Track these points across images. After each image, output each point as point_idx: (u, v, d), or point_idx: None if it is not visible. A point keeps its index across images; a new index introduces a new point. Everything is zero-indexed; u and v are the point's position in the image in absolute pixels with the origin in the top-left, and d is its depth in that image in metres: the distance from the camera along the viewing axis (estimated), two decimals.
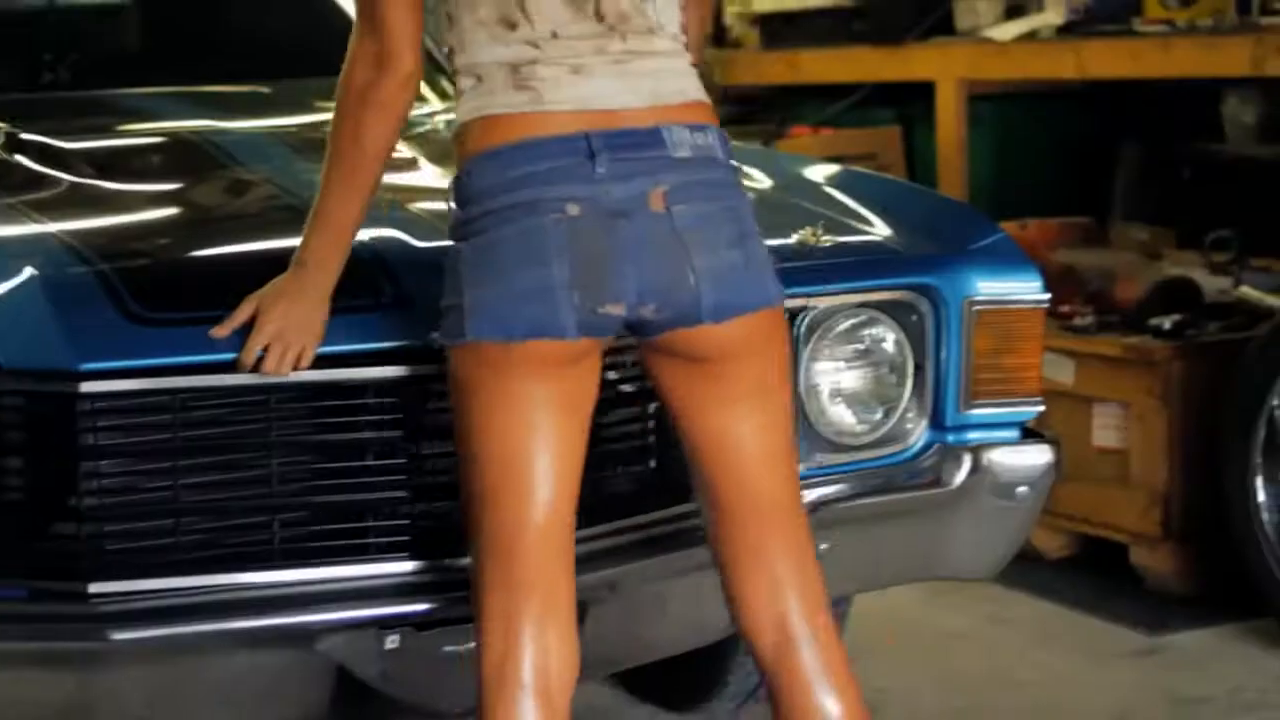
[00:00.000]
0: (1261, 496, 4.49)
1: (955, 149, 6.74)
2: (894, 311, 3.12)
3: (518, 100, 2.43)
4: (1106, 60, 5.91)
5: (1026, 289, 3.17)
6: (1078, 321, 5.30)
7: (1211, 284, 5.39)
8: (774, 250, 2.79)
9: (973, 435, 3.18)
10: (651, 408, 2.95)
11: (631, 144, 2.42)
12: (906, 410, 3.17)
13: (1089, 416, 5.06)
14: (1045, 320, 3.25)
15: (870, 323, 3.12)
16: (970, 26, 6.88)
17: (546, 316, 2.39)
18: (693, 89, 2.53)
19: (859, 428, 3.14)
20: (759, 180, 3.45)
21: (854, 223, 3.24)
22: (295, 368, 2.65)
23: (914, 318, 3.13)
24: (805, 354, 3.07)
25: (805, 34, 7.77)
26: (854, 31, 7.42)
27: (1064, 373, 5.09)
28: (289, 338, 2.63)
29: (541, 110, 2.42)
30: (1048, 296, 3.20)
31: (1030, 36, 6.45)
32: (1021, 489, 3.19)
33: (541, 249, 2.38)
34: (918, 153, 7.40)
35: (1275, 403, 4.47)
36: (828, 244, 3.09)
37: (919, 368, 3.15)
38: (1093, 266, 5.80)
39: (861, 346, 3.13)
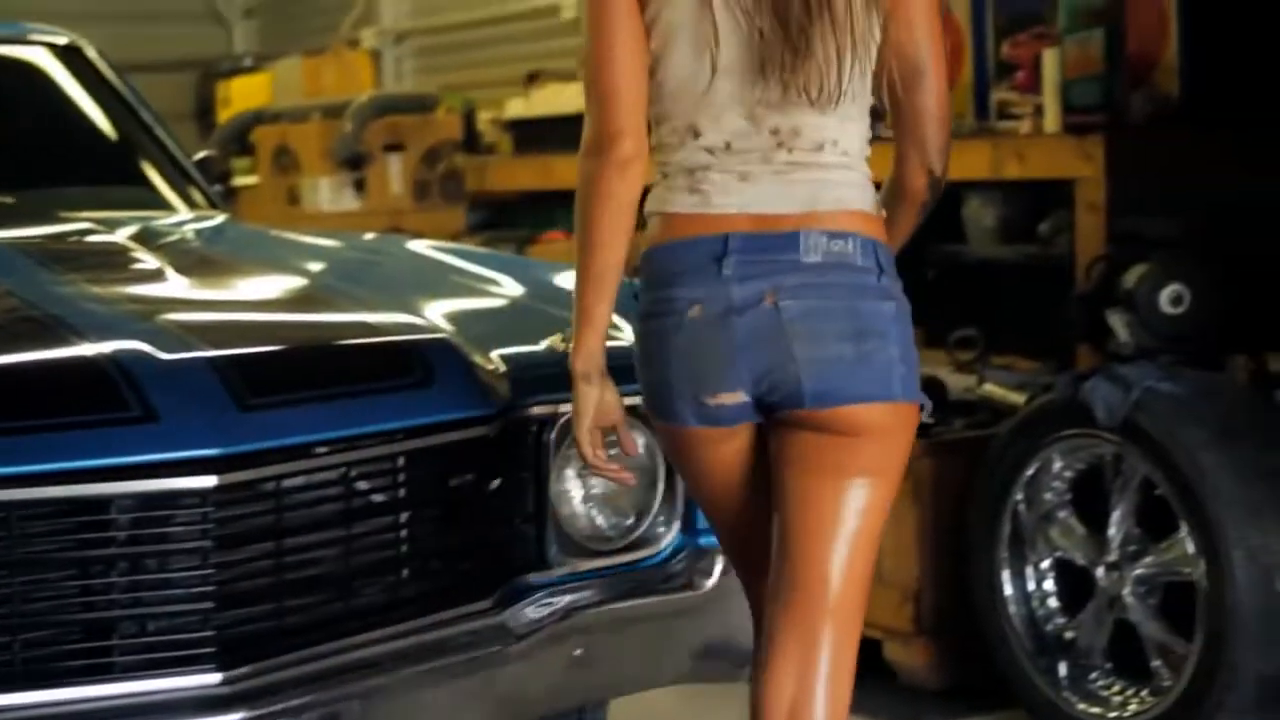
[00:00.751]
0: (1008, 590, 4.58)
1: None
2: (645, 416, 3.14)
3: (689, 201, 2.71)
4: None
5: None
6: None
7: (957, 382, 5.52)
8: (521, 358, 2.81)
9: None
10: (404, 517, 2.94)
11: (764, 247, 2.67)
12: (658, 514, 3.19)
13: None
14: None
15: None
16: None
17: (668, 409, 2.74)
18: (854, 198, 2.71)
19: (610, 532, 3.16)
20: (508, 288, 3.47)
21: None
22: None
23: None
24: (555, 459, 3.08)
25: (558, 139, 7.82)
26: None
27: None
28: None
29: (707, 212, 2.70)
30: None
31: None
32: None
33: (664, 350, 2.72)
34: None
35: (1019, 498, 4.57)
36: None
37: (670, 470, 3.17)
38: None
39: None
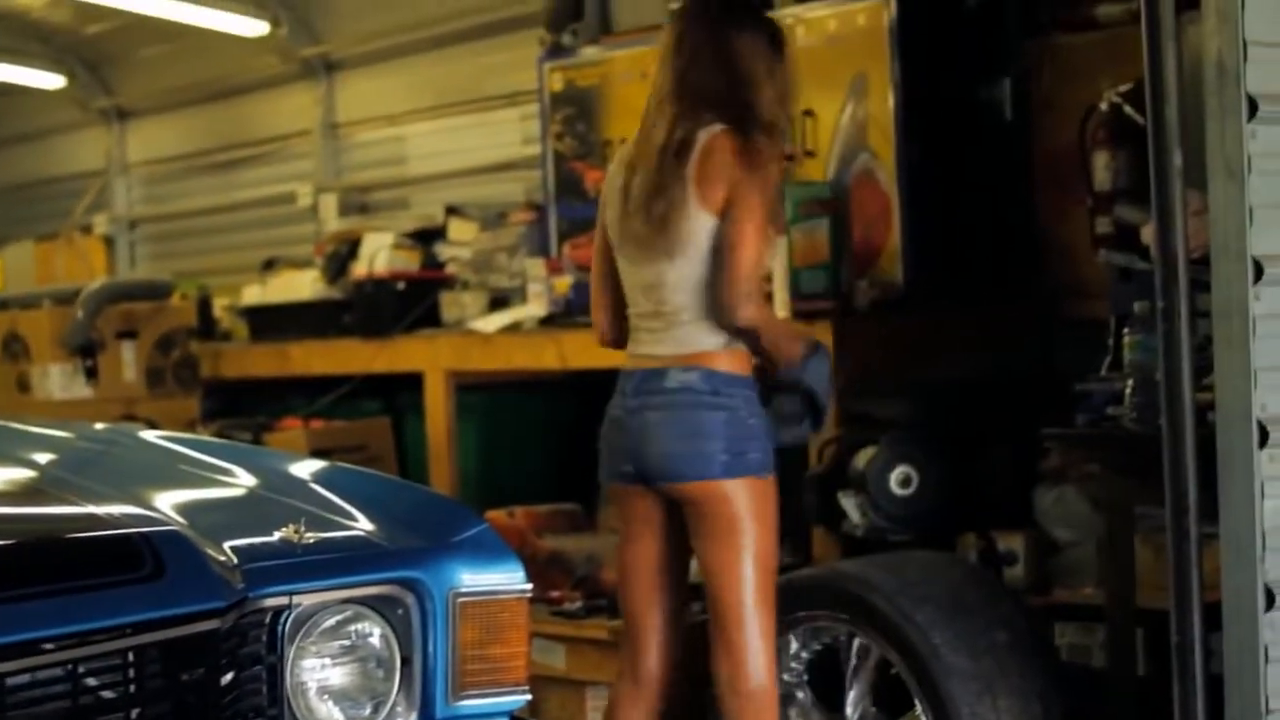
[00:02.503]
0: None
1: (445, 438, 6.83)
2: (379, 606, 3.12)
3: (630, 349, 4.34)
4: (586, 350, 6.09)
5: (509, 580, 3.21)
6: (567, 606, 5.39)
7: (693, 564, 5.55)
8: (254, 549, 2.78)
9: None
10: (134, 714, 2.87)
11: (647, 378, 4.25)
12: (395, 705, 3.15)
13: (582, 700, 5.13)
14: (530, 609, 3.30)
15: (356, 618, 3.11)
16: (456, 318, 7.03)
17: (602, 470, 4.37)
18: (700, 343, 4.19)
19: None
20: (241, 478, 3.43)
21: (338, 518, 3.24)
22: None
23: (400, 611, 3.13)
24: (291, 652, 3.03)
25: (294, 326, 7.80)
26: (342, 324, 7.49)
27: (555, 658, 5.15)
28: None
29: (634, 354, 4.32)
30: (529, 586, 3.25)
31: (514, 328, 6.62)
32: None
33: (605, 435, 4.34)
34: (408, 443, 7.47)
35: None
36: (311, 540, 3.08)
37: (406, 661, 3.15)
38: (580, 551, 5.92)
39: (348, 643, 3.11)
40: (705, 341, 4.17)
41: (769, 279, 4.54)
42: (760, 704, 4.13)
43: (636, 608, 4.33)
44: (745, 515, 4.12)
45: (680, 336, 4.18)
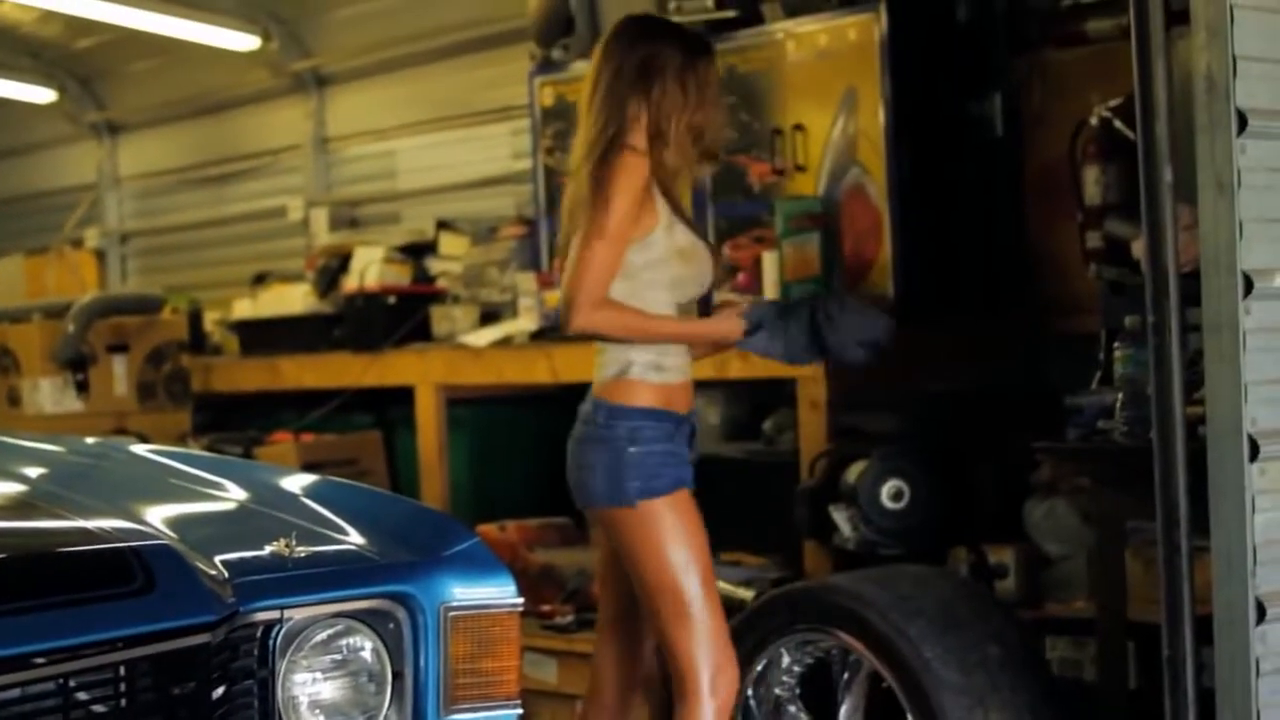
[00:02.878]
0: None
1: (436, 452, 6.83)
2: (371, 620, 3.12)
3: None
4: (578, 364, 6.10)
5: (500, 593, 3.21)
6: (558, 620, 5.39)
7: None
8: (245, 562, 2.77)
9: None
10: None
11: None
12: (386, 718, 3.15)
13: (573, 714, 5.12)
14: (521, 622, 3.30)
15: (347, 632, 3.10)
16: (447, 332, 7.03)
17: None
18: (603, 373, 4.35)
19: None
20: (232, 491, 3.43)
21: (329, 532, 3.24)
22: None
23: (391, 625, 3.13)
24: (282, 666, 3.03)
25: (285, 340, 7.80)
26: (333, 338, 7.49)
27: (546, 672, 5.15)
28: None
29: None
30: (521, 600, 3.25)
31: (505, 342, 6.63)
32: None
33: None
34: (400, 456, 7.46)
35: (749, 693, 4.61)
36: (302, 554, 3.08)
37: (398, 675, 3.14)
38: (572, 565, 5.92)
39: (339, 656, 3.10)
40: (605, 371, 4.34)
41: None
42: (694, 712, 4.22)
43: (601, 617, 4.55)
44: (630, 544, 4.27)
45: (598, 364, 4.37)
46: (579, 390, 6.13)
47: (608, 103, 4.33)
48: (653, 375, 4.32)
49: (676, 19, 6.38)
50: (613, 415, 4.29)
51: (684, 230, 4.40)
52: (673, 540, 4.27)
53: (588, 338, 4.42)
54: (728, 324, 4.43)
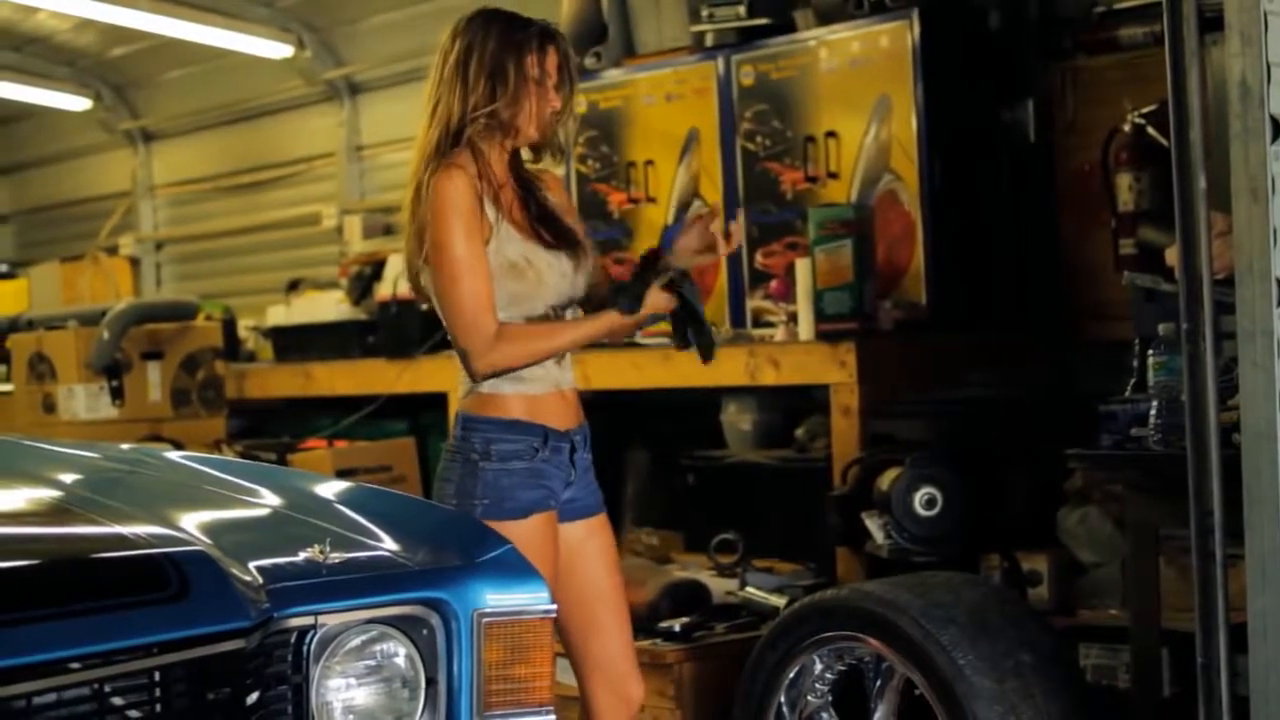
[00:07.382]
0: None
1: None
2: (404, 626, 3.12)
3: None
4: (611, 371, 6.10)
5: (534, 600, 3.21)
6: None
7: (719, 585, 5.56)
8: (279, 569, 2.78)
9: None
10: None
11: None
12: None
13: None
14: (554, 629, 3.30)
15: (381, 638, 3.11)
16: None
17: None
18: (464, 386, 4.17)
19: None
20: (266, 498, 3.44)
21: (363, 538, 3.25)
22: None
23: (425, 631, 3.13)
24: (316, 672, 3.04)
25: (318, 347, 7.81)
26: (367, 345, 7.51)
27: (573, 679, 5.13)
28: None
29: None
30: (554, 607, 3.25)
31: None
32: None
33: None
34: (433, 463, 7.45)
35: (782, 700, 4.60)
36: (336, 560, 3.09)
37: (431, 681, 3.15)
38: None
39: (373, 662, 3.11)
40: (464, 384, 4.18)
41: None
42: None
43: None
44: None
45: (460, 376, 4.21)
46: (612, 396, 6.15)
47: (429, 109, 4.11)
48: (507, 386, 4.10)
49: (708, 27, 6.39)
50: (467, 426, 4.13)
51: (518, 241, 4.10)
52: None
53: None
54: (607, 316, 4.12)
